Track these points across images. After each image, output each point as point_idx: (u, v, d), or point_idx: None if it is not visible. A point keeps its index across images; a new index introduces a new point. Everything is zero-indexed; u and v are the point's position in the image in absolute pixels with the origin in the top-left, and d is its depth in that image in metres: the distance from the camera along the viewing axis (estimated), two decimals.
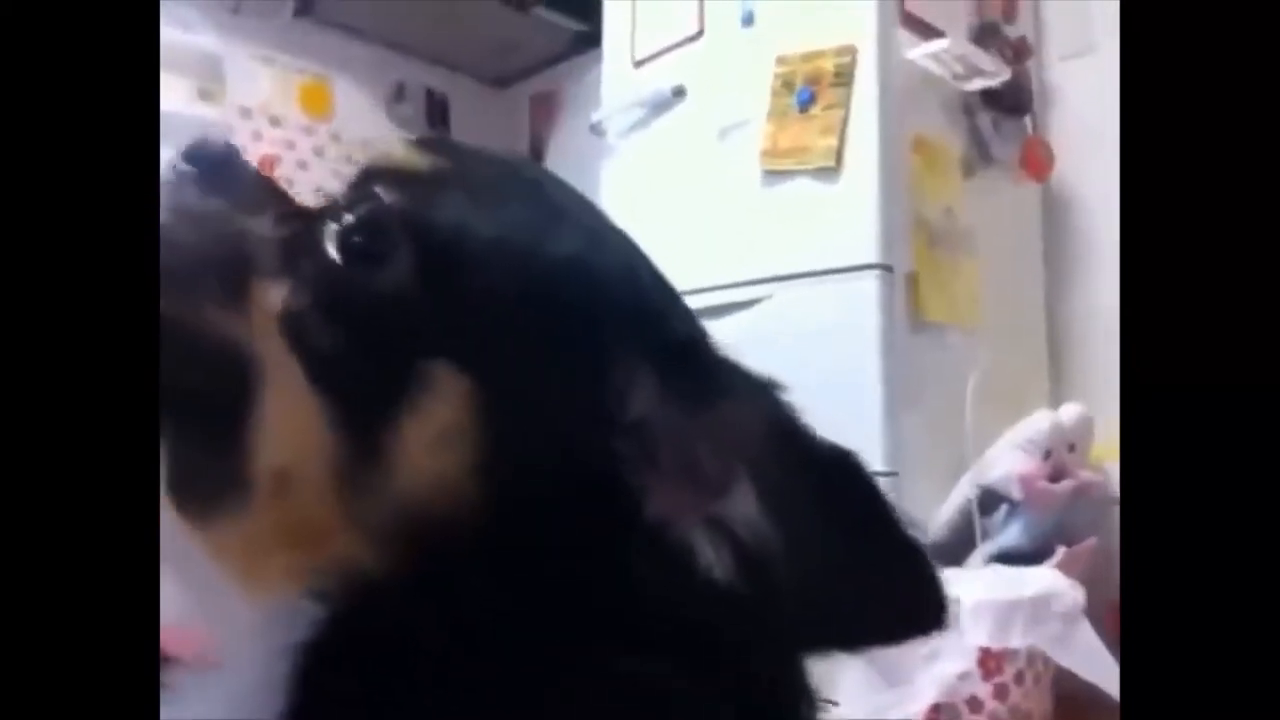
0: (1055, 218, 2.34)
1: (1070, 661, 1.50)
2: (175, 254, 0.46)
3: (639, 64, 2.41)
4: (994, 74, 2.07)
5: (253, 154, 2.96)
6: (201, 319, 0.46)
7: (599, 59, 2.62)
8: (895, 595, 0.43)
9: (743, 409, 0.44)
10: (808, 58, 2.00)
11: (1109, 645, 1.50)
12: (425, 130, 3.40)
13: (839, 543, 0.42)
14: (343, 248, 0.46)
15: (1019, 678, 1.50)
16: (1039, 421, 1.84)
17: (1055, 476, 1.79)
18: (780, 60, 2.04)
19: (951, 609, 0.44)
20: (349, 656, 0.42)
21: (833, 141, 1.93)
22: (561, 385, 0.44)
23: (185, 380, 0.45)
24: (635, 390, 0.44)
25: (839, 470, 0.43)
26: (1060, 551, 1.66)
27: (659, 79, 2.31)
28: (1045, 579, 1.56)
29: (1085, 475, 1.81)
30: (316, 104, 3.20)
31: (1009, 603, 1.50)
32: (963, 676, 1.48)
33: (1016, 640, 1.49)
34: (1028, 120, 2.27)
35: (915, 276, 1.91)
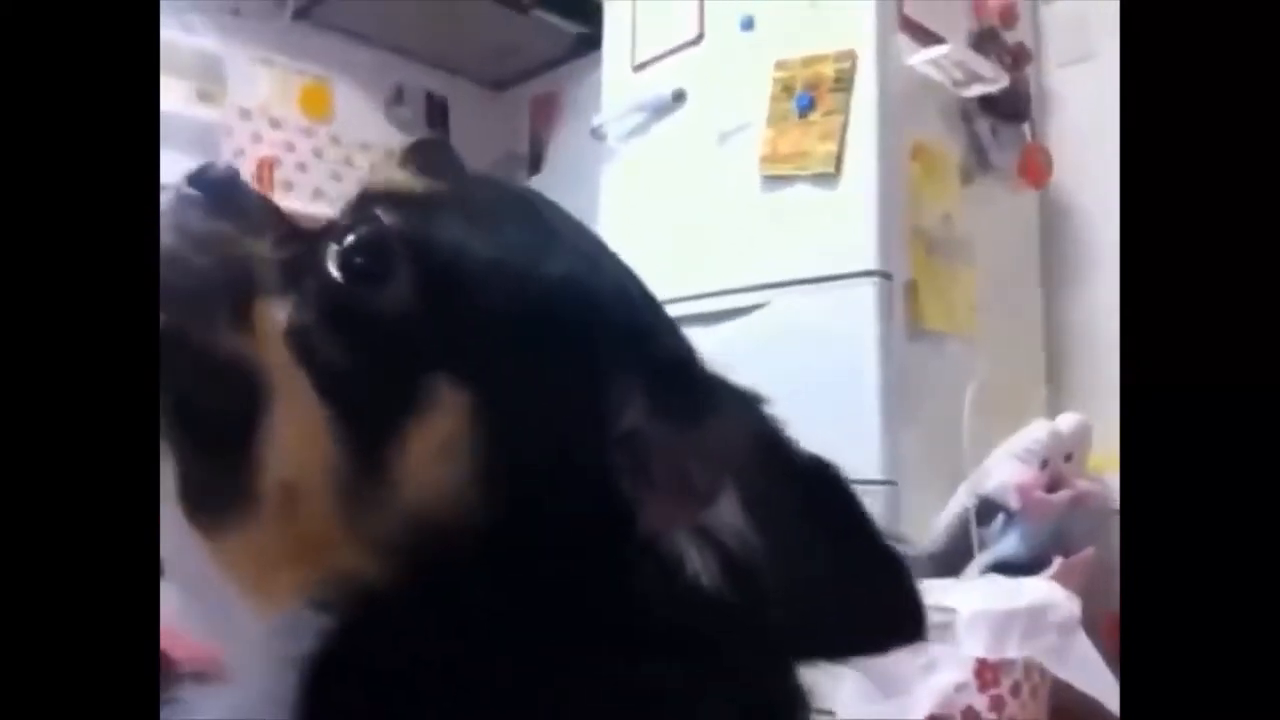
0: (1053, 225, 2.34)
1: (1067, 673, 1.50)
2: (182, 275, 0.48)
3: (639, 68, 2.41)
4: (993, 80, 2.07)
5: (252, 155, 2.96)
6: (210, 337, 0.47)
7: (599, 62, 2.62)
8: (875, 604, 0.44)
9: (729, 423, 0.45)
10: (807, 63, 2.00)
11: (1106, 657, 1.49)
12: (425, 132, 3.39)
13: (820, 552, 0.43)
14: (344, 267, 0.47)
15: (1015, 689, 1.50)
16: (1036, 431, 1.84)
17: (1053, 486, 1.78)
18: (780, 65, 2.04)
19: (932, 619, 0.44)
20: (354, 667, 0.43)
21: (832, 147, 1.93)
22: (557, 399, 0.46)
23: (195, 397, 0.47)
24: (627, 405, 0.45)
25: (820, 481, 0.44)
26: (1057, 562, 1.66)
27: (659, 83, 2.31)
28: (1042, 590, 1.56)
29: (1083, 485, 1.80)
30: (316, 106, 3.20)
31: (1006, 613, 1.49)
32: (959, 688, 1.47)
33: (1013, 651, 1.48)
34: (1026, 127, 2.27)
35: (913, 284, 1.90)
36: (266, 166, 2.98)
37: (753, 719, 0.46)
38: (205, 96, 2.91)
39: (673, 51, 2.31)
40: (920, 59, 1.98)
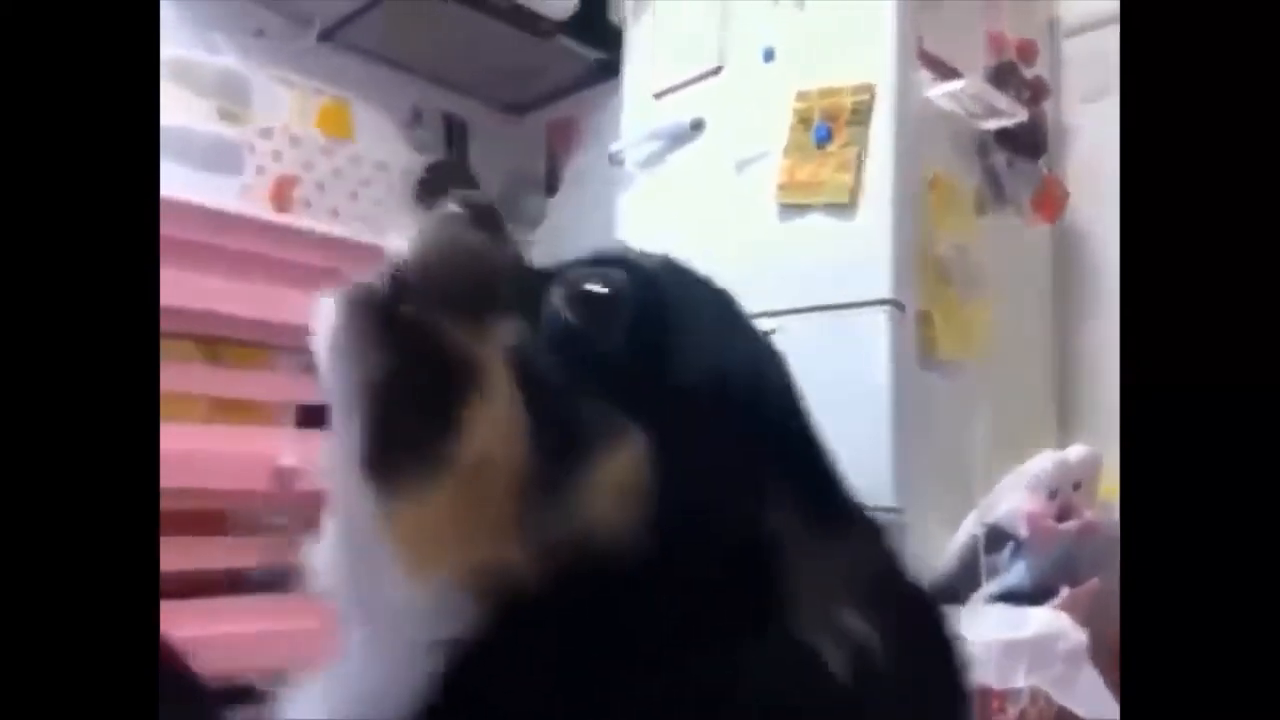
0: (1066, 258, 2.35)
1: (1073, 703, 1.50)
2: (438, 274, 0.54)
3: (658, 96, 2.43)
4: (1010, 114, 2.08)
5: (272, 173, 2.98)
6: (443, 327, 0.52)
7: (617, 88, 2.64)
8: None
9: (859, 545, 0.51)
10: (826, 94, 2.02)
11: (1113, 688, 1.49)
12: (443, 153, 3.42)
13: (914, 674, 0.48)
14: (573, 307, 0.54)
15: (1021, 718, 1.49)
16: (1045, 460, 1.84)
17: (1061, 516, 1.78)
18: (799, 96, 2.06)
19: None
20: (493, 662, 0.47)
21: (848, 178, 1.95)
22: (724, 470, 0.51)
23: (414, 373, 0.52)
24: (775, 507, 0.50)
25: (927, 614, 0.51)
26: (1064, 592, 1.65)
27: (678, 111, 2.34)
28: (1049, 619, 1.56)
29: (1091, 515, 1.80)
30: (336, 125, 3.22)
31: (1012, 643, 1.49)
32: None
33: (1020, 681, 1.48)
34: (1042, 162, 2.28)
35: (926, 314, 1.91)
36: (286, 184, 3.00)
37: None
38: (227, 115, 2.93)
39: (693, 81, 2.33)
40: (938, 93, 2.00)
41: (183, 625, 0.84)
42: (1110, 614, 1.65)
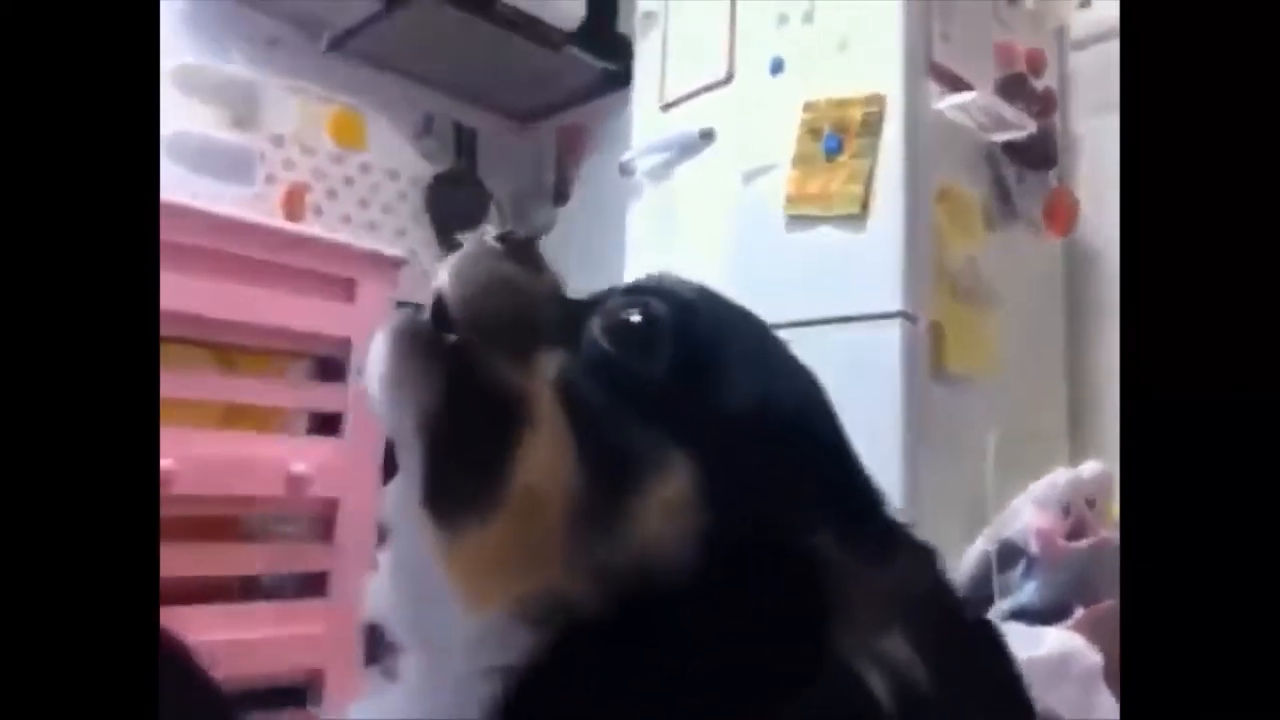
0: (1078, 270, 2.34)
1: None
2: (479, 308, 0.56)
3: (667, 106, 2.43)
4: (1020, 126, 2.08)
5: (283, 181, 2.99)
6: (492, 360, 0.54)
7: (627, 99, 2.65)
8: None
9: (906, 569, 0.51)
10: (835, 105, 2.02)
11: None
12: (453, 162, 3.43)
13: (962, 701, 0.48)
14: (614, 336, 0.54)
15: None
16: (1058, 477, 1.83)
17: (1074, 533, 1.77)
18: (808, 107, 2.06)
19: None
20: (550, 688, 0.47)
21: (858, 189, 1.94)
22: (770, 500, 0.51)
23: (466, 406, 0.53)
24: (817, 531, 0.50)
25: (980, 638, 0.52)
26: (1079, 612, 1.64)
27: (687, 121, 2.34)
28: (1063, 639, 1.54)
29: (1106, 533, 1.79)
30: (347, 134, 3.23)
31: (1025, 662, 1.47)
32: None
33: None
34: (1052, 174, 2.28)
35: (937, 326, 1.91)
36: (297, 192, 3.01)
37: None
38: (239, 123, 2.94)
39: (702, 91, 2.33)
40: (948, 104, 2.00)
41: (195, 630, 0.84)
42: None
